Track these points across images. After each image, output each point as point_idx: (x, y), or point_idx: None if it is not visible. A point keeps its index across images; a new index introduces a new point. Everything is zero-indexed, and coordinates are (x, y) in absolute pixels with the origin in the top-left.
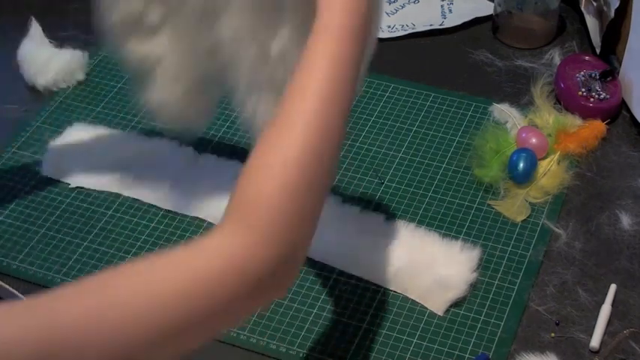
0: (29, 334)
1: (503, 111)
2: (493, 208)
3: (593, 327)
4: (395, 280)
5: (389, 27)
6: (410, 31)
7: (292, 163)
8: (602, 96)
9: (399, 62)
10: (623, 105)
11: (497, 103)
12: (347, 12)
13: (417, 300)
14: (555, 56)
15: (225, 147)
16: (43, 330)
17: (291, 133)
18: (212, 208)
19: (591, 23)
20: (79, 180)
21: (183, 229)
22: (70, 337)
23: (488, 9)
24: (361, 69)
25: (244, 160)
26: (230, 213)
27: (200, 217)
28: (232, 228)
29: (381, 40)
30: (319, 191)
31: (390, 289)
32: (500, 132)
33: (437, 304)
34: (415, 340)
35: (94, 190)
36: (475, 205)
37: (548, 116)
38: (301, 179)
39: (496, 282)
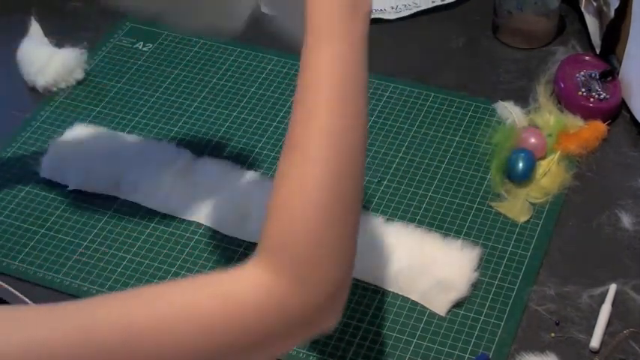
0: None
1: (507, 108)
2: (493, 208)
3: (593, 327)
4: (396, 281)
5: (392, 8)
6: (414, 9)
7: (314, 198)
8: (602, 96)
9: (397, 62)
10: (623, 105)
11: (497, 103)
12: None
13: (419, 301)
14: (555, 56)
15: (223, 150)
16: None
17: (308, 161)
18: (210, 212)
19: (591, 23)
20: (77, 183)
21: (183, 229)
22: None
23: None
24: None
25: (242, 163)
26: (262, 250)
27: (198, 221)
28: (267, 265)
29: (383, 21)
30: (348, 214)
31: (392, 291)
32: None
33: (439, 304)
34: (415, 340)
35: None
36: (475, 205)
37: (549, 116)
38: (327, 209)
39: (496, 282)
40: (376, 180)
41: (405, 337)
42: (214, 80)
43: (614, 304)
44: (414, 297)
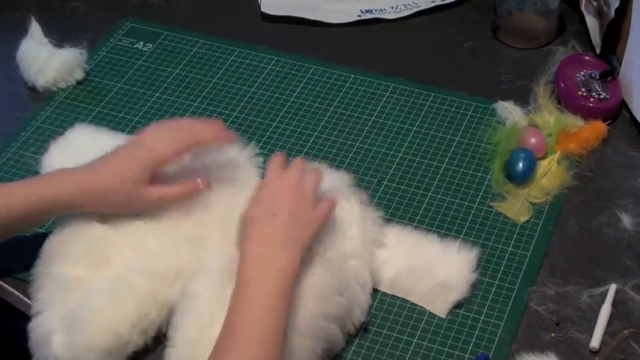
0: None
1: (507, 108)
2: (493, 208)
3: (593, 327)
4: (395, 285)
5: (392, 8)
6: (414, 9)
7: None
8: (602, 96)
9: (397, 62)
10: (623, 105)
11: (497, 103)
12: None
13: (420, 303)
14: (555, 56)
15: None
16: None
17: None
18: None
19: (591, 23)
20: None
21: None
22: None
23: None
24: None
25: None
26: None
27: None
28: None
29: (383, 21)
30: None
31: (392, 293)
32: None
33: (439, 306)
34: (415, 341)
35: None
36: (475, 205)
37: (549, 116)
38: None
39: (496, 282)
40: (376, 180)
41: (405, 338)
42: (214, 80)
43: (614, 304)
44: (414, 299)
